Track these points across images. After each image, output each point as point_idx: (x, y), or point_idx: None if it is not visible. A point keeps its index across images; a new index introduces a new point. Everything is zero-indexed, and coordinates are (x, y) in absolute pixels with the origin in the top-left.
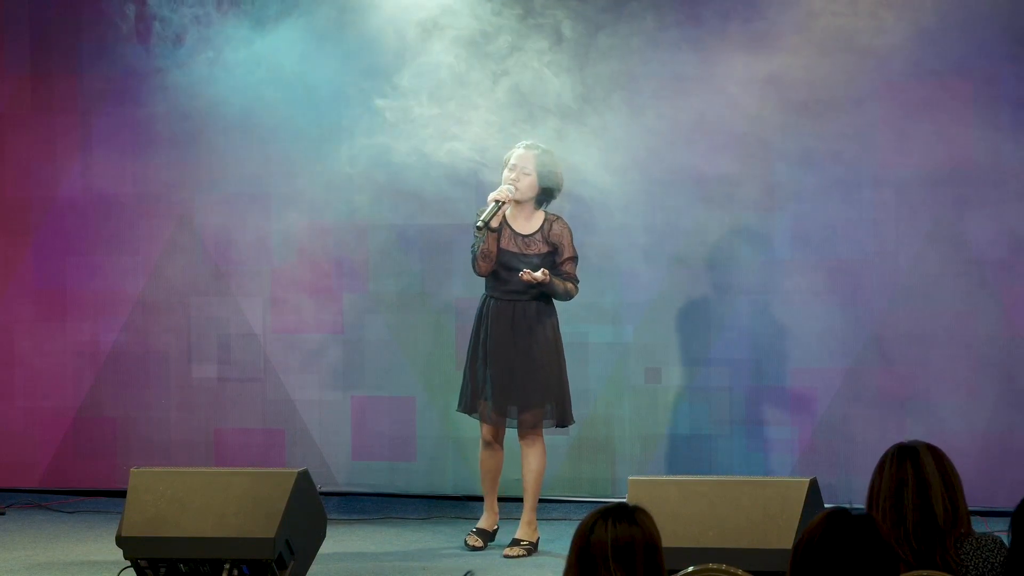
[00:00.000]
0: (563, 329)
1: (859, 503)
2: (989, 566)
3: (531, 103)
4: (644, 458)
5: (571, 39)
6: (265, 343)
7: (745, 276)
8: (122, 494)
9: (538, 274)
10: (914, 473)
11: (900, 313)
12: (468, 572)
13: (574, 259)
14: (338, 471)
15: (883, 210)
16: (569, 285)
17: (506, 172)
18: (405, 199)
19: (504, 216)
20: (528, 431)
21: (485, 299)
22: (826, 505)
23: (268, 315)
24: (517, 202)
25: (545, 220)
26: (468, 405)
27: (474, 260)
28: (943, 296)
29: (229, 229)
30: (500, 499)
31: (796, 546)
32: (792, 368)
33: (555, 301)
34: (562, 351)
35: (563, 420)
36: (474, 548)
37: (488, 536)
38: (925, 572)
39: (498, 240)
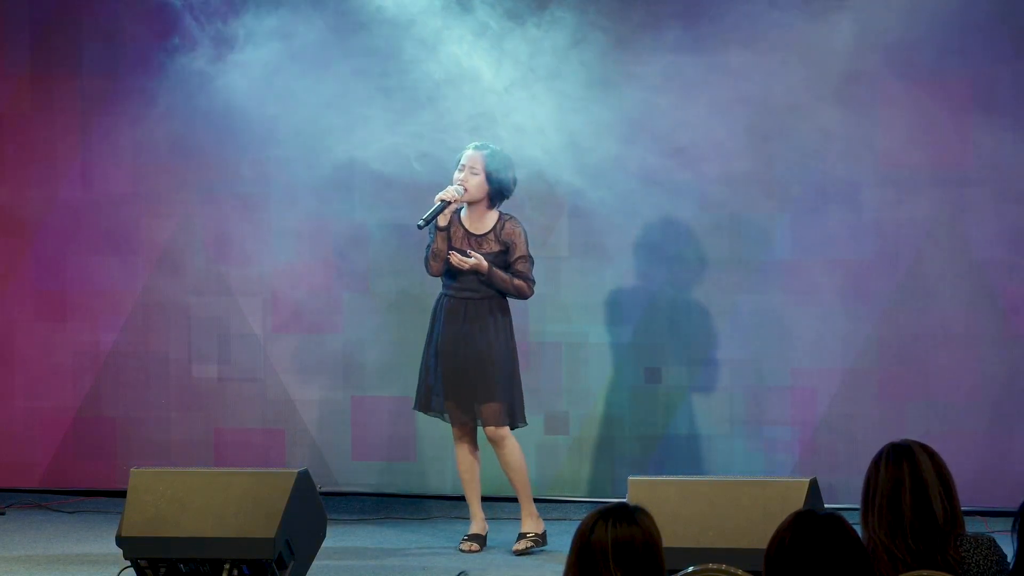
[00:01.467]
0: (563, 329)
1: (857, 504)
2: (989, 564)
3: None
4: (644, 458)
5: None
6: (265, 343)
7: (745, 276)
8: (122, 494)
9: (470, 260)
10: (911, 473)
11: (900, 313)
12: (461, 573)
13: (527, 258)
14: (338, 471)
15: (883, 210)
16: (519, 282)
17: (456, 173)
18: (405, 199)
19: (459, 216)
20: (490, 428)
21: (440, 297)
22: (827, 505)
23: (268, 315)
24: (469, 203)
25: (499, 220)
26: (422, 403)
27: (426, 260)
28: (943, 296)
29: (229, 229)
30: (499, 500)
31: (768, 550)
32: (792, 368)
33: (511, 304)
34: (515, 352)
35: (513, 421)
36: (470, 553)
37: (481, 540)
38: (927, 572)
39: (449, 240)
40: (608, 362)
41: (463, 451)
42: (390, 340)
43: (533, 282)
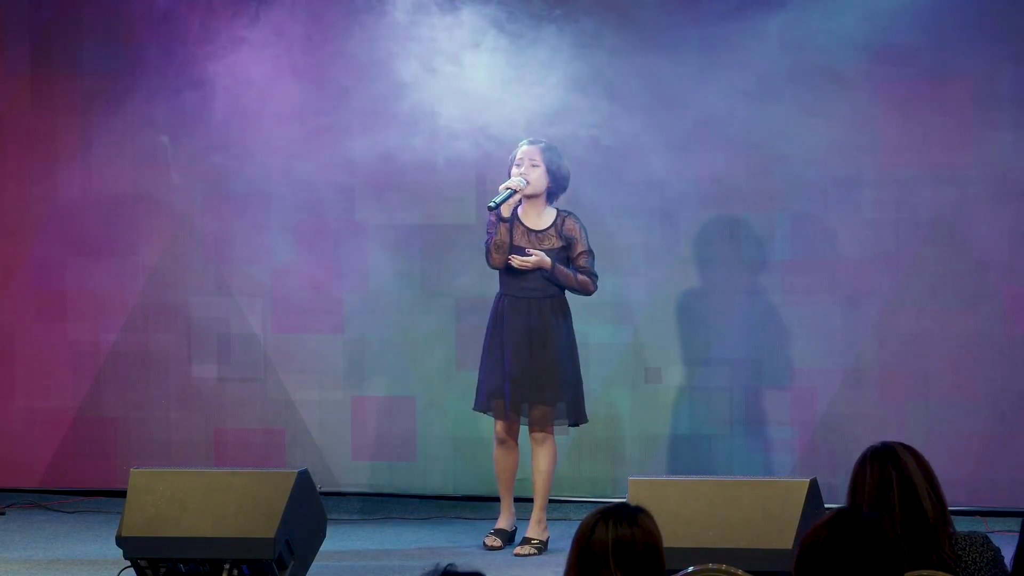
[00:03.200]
0: None
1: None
2: (984, 561)
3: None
4: (644, 458)
5: None
6: (265, 343)
7: (745, 276)
8: (122, 494)
9: (531, 258)
10: (897, 474)
11: (900, 313)
12: (438, 563)
13: (589, 253)
14: (338, 471)
15: (883, 210)
16: (583, 278)
17: (514, 169)
18: (405, 199)
19: (516, 213)
20: (538, 428)
21: (500, 297)
22: (826, 505)
23: (268, 315)
24: (528, 197)
25: (558, 216)
26: (484, 404)
27: (488, 252)
28: (943, 296)
29: (229, 229)
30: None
31: (802, 544)
32: (792, 368)
33: (569, 301)
34: (576, 349)
35: (577, 419)
36: (492, 548)
37: (507, 536)
38: (927, 572)
39: (511, 234)
40: (608, 362)
41: (505, 450)
42: (390, 340)
43: (596, 276)
